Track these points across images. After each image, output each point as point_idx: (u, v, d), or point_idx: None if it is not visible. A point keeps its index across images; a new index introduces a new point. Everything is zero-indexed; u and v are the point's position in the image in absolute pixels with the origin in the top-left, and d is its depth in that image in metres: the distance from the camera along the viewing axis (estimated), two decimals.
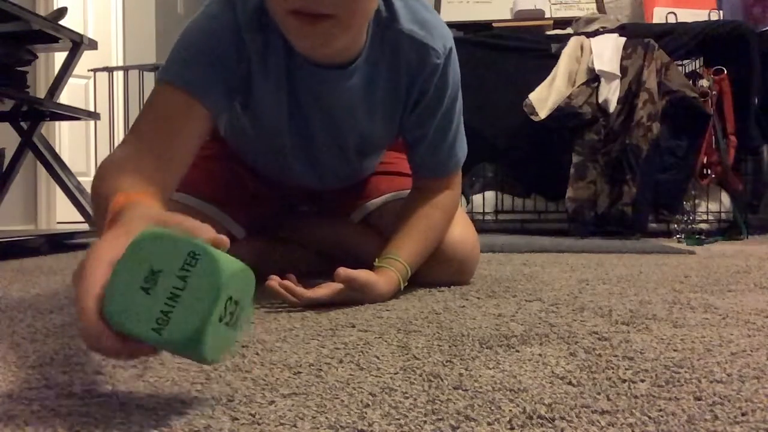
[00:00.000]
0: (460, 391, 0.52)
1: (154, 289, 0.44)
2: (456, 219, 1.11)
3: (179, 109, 0.85)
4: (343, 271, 0.91)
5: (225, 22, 0.89)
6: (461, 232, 1.12)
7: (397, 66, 0.98)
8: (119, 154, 0.80)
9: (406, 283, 1.01)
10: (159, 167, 0.79)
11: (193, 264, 0.45)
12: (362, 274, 0.93)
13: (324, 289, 0.92)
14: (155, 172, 0.77)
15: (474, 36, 3.00)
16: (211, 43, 0.89)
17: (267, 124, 1.02)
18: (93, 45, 2.37)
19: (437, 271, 1.10)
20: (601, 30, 2.82)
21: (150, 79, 3.35)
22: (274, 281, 0.92)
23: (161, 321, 0.44)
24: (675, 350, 0.66)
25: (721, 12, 3.39)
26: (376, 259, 1.01)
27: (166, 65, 0.89)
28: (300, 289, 0.91)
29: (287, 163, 1.09)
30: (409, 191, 1.13)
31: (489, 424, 0.45)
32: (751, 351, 0.65)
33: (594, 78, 2.57)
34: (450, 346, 0.68)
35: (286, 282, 0.92)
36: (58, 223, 3.26)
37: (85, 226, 2.47)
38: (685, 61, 2.87)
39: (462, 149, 1.10)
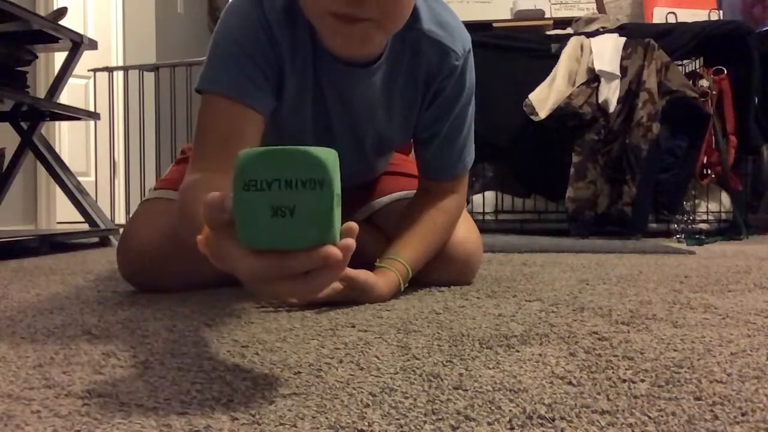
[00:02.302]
0: (460, 391, 0.52)
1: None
2: (460, 219, 1.11)
3: (234, 120, 0.86)
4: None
5: (256, 20, 0.89)
6: (465, 232, 1.12)
7: (416, 66, 0.98)
8: (191, 180, 0.81)
9: (407, 285, 1.01)
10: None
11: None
12: (362, 275, 0.92)
13: None
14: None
15: (474, 36, 3.00)
16: (250, 44, 0.88)
17: (290, 120, 1.01)
18: (93, 45, 2.38)
19: (440, 270, 1.09)
20: (601, 30, 2.82)
21: (150, 78, 3.35)
22: None
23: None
24: (675, 350, 0.66)
25: (721, 12, 3.39)
26: (377, 260, 1.01)
27: (208, 72, 0.88)
28: None
29: None
30: (414, 192, 1.12)
31: (489, 424, 0.45)
32: (751, 351, 0.65)
33: (594, 78, 2.57)
34: (450, 346, 0.68)
35: None
36: (58, 223, 3.26)
37: (85, 226, 2.46)
38: (685, 61, 2.87)
39: (470, 154, 1.10)
